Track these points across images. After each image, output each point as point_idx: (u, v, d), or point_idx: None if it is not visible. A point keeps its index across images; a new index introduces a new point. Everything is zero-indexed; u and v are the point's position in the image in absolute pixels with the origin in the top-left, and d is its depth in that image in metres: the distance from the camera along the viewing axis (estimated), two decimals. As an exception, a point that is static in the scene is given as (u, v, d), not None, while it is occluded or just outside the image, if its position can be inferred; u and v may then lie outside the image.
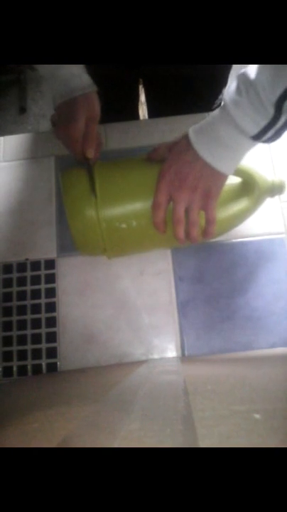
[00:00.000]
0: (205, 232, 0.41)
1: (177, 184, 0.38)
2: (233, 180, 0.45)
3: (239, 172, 0.44)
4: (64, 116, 0.43)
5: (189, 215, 0.40)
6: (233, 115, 0.34)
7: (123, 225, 0.41)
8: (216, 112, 0.37)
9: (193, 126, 0.39)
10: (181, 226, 0.40)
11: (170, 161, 0.39)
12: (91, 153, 0.43)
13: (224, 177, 0.39)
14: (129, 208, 0.41)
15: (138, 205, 0.41)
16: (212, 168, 0.37)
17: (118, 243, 0.43)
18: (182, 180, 0.38)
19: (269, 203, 0.52)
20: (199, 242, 0.42)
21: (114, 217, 0.40)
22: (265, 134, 0.35)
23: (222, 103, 0.36)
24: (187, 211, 0.39)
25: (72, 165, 0.45)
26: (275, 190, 0.45)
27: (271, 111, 0.33)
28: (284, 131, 0.35)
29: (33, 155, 0.57)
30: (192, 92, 0.63)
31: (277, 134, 0.35)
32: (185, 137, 0.39)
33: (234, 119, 0.34)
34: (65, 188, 0.41)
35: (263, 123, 0.34)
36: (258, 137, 0.35)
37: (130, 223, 0.41)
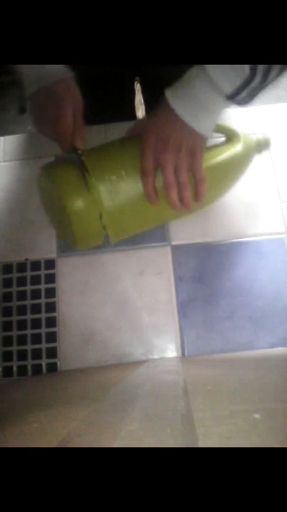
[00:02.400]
0: (197, 193, 0.41)
1: (161, 147, 0.39)
2: (218, 140, 0.46)
3: (222, 129, 0.46)
4: (46, 109, 0.41)
5: (179, 177, 0.40)
6: (210, 73, 0.35)
7: (113, 177, 0.40)
8: (193, 70, 0.38)
9: (170, 88, 0.39)
10: (173, 189, 0.40)
11: (151, 126, 0.40)
12: (82, 144, 0.42)
13: (204, 138, 0.40)
14: (119, 169, 0.40)
15: (127, 168, 0.40)
16: (191, 127, 0.38)
17: (115, 207, 0.41)
18: (165, 142, 0.39)
19: (269, 203, 0.52)
20: (193, 209, 0.42)
21: (106, 177, 0.40)
22: (239, 93, 0.35)
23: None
24: (175, 174, 0.40)
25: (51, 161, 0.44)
26: (261, 145, 0.47)
27: (247, 71, 0.33)
28: (257, 93, 0.36)
29: (33, 155, 0.57)
30: None
31: (250, 96, 0.36)
32: (164, 100, 0.39)
33: (211, 76, 0.35)
34: (55, 179, 0.40)
35: (238, 82, 0.34)
36: (232, 96, 0.36)
37: (119, 175, 0.40)
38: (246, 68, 0.33)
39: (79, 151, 0.41)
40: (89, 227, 0.41)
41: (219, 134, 0.47)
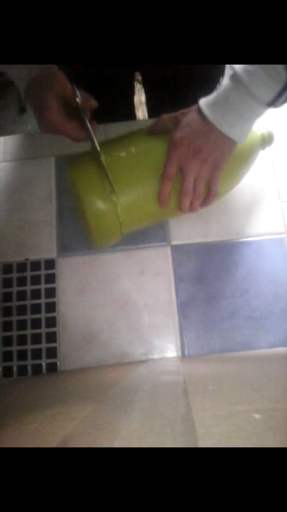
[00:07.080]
0: (205, 203, 0.43)
1: (189, 155, 0.39)
2: None
3: None
4: (36, 105, 0.38)
5: (196, 187, 0.40)
6: (247, 84, 0.35)
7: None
8: (227, 82, 0.37)
9: (203, 100, 0.39)
10: (189, 198, 0.41)
11: (182, 133, 0.39)
12: (81, 134, 0.39)
13: (235, 146, 0.40)
14: (138, 173, 0.41)
15: (146, 172, 0.41)
16: (227, 137, 0.38)
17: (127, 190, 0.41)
18: (195, 152, 0.39)
19: (269, 203, 0.52)
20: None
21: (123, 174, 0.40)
22: (279, 98, 0.35)
23: (233, 73, 0.36)
24: (194, 183, 0.40)
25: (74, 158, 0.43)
26: (265, 140, 0.47)
27: (283, 74, 0.33)
28: None
29: (33, 155, 0.57)
30: (191, 92, 0.63)
31: None
32: (197, 110, 0.39)
33: (249, 87, 0.35)
34: (76, 179, 0.41)
35: (278, 88, 0.34)
36: (272, 103, 0.36)
37: (138, 175, 0.41)
38: (281, 72, 0.33)
39: (98, 148, 0.39)
40: (107, 230, 0.43)
41: None
